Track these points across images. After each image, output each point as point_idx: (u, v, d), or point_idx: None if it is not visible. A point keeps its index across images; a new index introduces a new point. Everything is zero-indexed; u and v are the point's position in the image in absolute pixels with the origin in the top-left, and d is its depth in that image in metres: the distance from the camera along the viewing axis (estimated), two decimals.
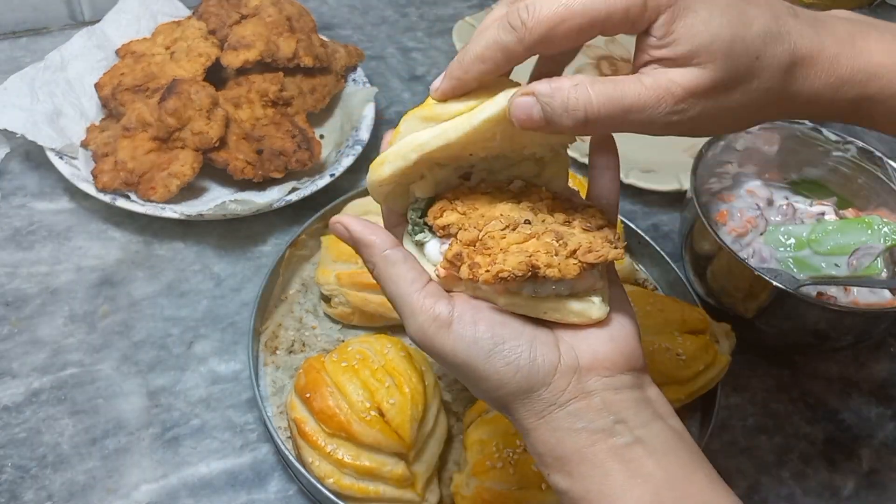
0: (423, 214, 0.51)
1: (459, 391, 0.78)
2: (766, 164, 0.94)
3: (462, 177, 0.51)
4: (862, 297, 0.82)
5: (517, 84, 0.49)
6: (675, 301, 0.77)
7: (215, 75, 0.96)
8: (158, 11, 1.07)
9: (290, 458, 0.68)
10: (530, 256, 0.45)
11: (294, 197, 0.88)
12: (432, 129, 0.47)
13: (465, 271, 0.46)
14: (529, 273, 0.45)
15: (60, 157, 0.88)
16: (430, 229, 0.50)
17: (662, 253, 0.87)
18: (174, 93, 0.87)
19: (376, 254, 0.48)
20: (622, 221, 0.87)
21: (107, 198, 0.85)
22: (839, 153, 0.90)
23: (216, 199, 0.85)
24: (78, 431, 0.72)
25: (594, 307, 0.47)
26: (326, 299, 0.81)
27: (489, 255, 0.46)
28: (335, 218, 0.50)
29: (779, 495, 0.76)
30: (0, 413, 0.72)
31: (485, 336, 0.46)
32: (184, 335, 0.80)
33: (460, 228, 0.48)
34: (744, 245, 0.87)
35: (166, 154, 0.87)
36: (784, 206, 0.90)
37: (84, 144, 0.91)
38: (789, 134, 0.92)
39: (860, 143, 0.89)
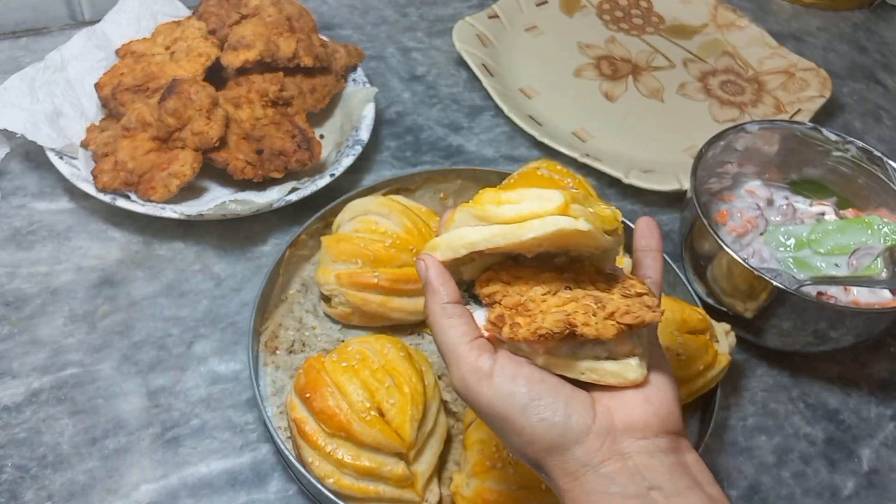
0: (471, 287, 0.54)
1: None
2: (766, 164, 0.94)
3: (511, 258, 0.54)
4: (862, 297, 0.82)
5: (567, 189, 0.52)
6: (675, 301, 0.77)
7: (215, 75, 0.96)
8: (158, 11, 1.07)
9: (291, 458, 0.68)
10: (568, 315, 0.47)
11: (294, 197, 0.88)
12: (483, 229, 0.50)
13: (506, 331, 0.48)
14: (567, 331, 0.47)
15: (60, 157, 0.88)
16: (477, 301, 0.53)
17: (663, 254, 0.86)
18: (174, 93, 0.87)
19: (437, 302, 0.51)
20: (623, 221, 0.86)
21: (107, 198, 0.85)
22: (839, 153, 0.90)
23: (216, 199, 0.85)
24: (78, 431, 0.72)
25: (631, 368, 0.49)
26: (326, 299, 0.81)
27: (530, 316, 0.48)
28: (424, 255, 0.53)
29: (779, 495, 0.76)
30: (0, 413, 0.73)
31: (522, 391, 0.47)
32: (184, 335, 0.80)
33: (504, 295, 0.50)
34: (744, 245, 0.87)
35: (166, 154, 0.87)
36: (784, 206, 0.90)
37: (84, 144, 0.91)
38: (789, 133, 0.92)
39: (860, 143, 0.89)
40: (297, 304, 0.83)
